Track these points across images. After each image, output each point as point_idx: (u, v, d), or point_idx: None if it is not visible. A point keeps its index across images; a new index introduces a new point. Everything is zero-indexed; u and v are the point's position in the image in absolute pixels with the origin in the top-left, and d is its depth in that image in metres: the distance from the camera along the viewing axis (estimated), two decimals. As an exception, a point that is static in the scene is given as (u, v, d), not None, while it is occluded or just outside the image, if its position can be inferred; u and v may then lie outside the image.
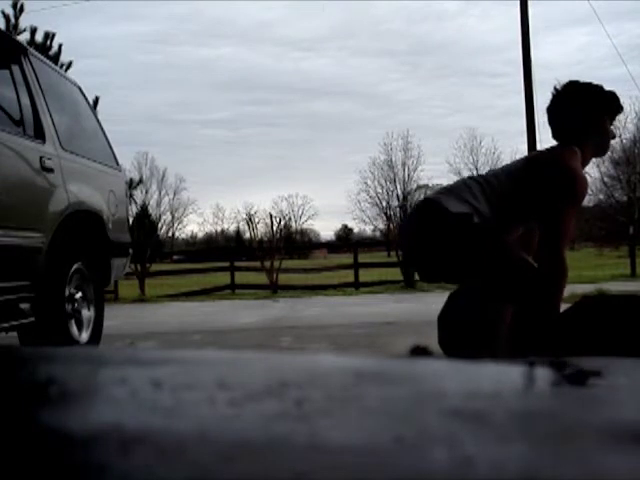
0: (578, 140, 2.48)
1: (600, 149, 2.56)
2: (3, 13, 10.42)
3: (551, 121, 2.56)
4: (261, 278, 12.60)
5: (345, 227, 58.64)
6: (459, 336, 2.49)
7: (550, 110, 2.57)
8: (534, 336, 2.31)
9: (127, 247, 5.03)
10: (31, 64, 4.07)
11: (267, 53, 76.45)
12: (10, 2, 10.44)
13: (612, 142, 2.61)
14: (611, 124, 2.55)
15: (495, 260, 2.31)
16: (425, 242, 2.41)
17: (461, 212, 2.32)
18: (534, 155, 2.54)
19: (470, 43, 68.63)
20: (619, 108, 2.56)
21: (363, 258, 15.20)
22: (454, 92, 69.59)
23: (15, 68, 3.93)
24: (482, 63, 69.03)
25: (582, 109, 2.49)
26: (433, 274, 2.53)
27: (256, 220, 14.17)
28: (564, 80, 2.61)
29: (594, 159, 2.74)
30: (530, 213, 2.44)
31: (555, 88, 2.58)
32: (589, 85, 2.54)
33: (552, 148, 2.53)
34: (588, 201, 26.50)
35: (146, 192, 44.41)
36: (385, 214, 42.52)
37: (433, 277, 2.56)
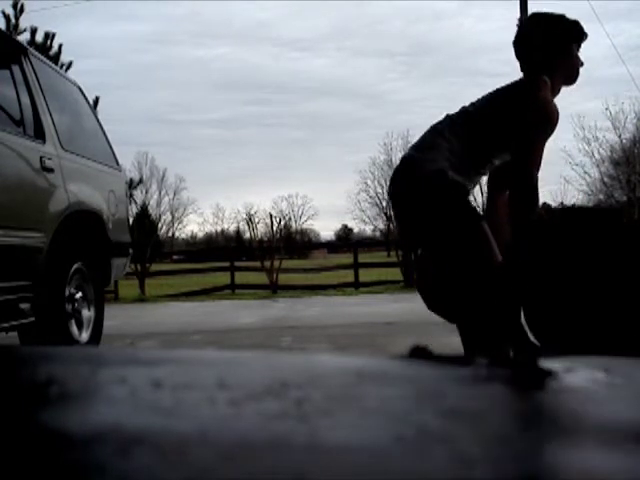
0: (547, 70, 2.51)
1: (569, 77, 2.60)
2: (3, 13, 10.42)
3: (518, 55, 2.61)
4: (261, 278, 12.60)
5: (345, 227, 58.65)
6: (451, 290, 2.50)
7: (516, 43, 2.61)
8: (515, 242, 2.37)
9: (127, 247, 5.03)
10: (31, 64, 4.07)
11: (265, 53, 76.47)
12: (10, 2, 10.45)
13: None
14: (577, 51, 2.59)
15: (457, 226, 2.35)
16: (402, 203, 2.49)
17: (436, 169, 2.37)
18: (507, 86, 2.57)
19: (468, 43, 68.62)
20: (583, 34, 2.62)
21: (363, 258, 15.20)
22: (453, 92, 69.56)
23: (15, 68, 3.93)
24: (480, 63, 69.06)
25: (548, 39, 2.54)
26: (413, 238, 2.58)
27: (256, 220, 14.17)
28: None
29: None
30: (505, 141, 2.48)
31: (519, 21, 2.65)
32: (551, 15, 2.60)
33: (522, 79, 2.56)
34: (588, 201, 26.50)
35: (146, 192, 44.41)
36: (385, 214, 42.53)
37: (414, 242, 2.62)
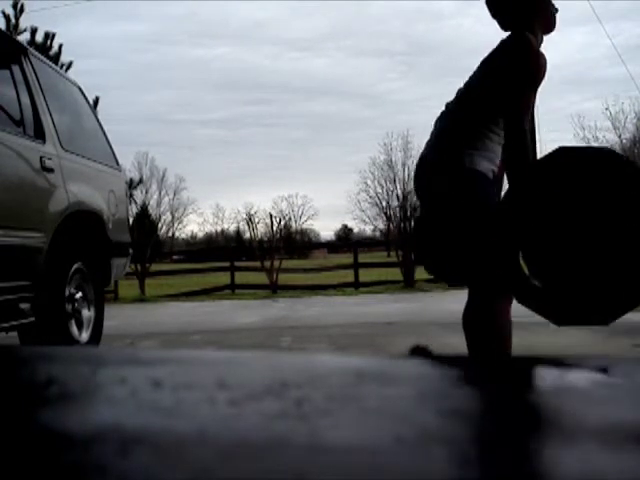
0: (524, 23, 2.54)
1: (547, 26, 2.61)
2: (3, 13, 10.42)
3: (494, 14, 2.65)
4: (261, 278, 12.60)
5: (345, 227, 58.64)
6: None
7: (489, 3, 2.65)
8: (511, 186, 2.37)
9: (127, 247, 5.03)
10: (31, 64, 4.07)
11: (265, 53, 76.58)
12: (10, 2, 10.45)
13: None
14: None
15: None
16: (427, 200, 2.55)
17: (453, 160, 2.43)
18: (492, 51, 2.59)
19: (468, 43, 68.67)
20: None
21: (363, 258, 15.20)
22: (453, 92, 69.40)
23: (15, 68, 3.93)
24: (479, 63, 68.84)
25: None
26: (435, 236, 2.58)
27: (256, 220, 14.18)
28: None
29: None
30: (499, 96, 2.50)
31: None
32: None
33: (504, 40, 2.58)
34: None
35: (146, 192, 44.33)
36: (385, 214, 42.45)
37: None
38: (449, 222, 2.43)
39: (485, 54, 2.60)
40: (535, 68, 2.46)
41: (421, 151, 2.69)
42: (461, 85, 2.65)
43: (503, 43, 2.55)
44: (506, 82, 2.45)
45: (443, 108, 2.67)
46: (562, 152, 2.32)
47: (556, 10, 2.61)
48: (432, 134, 2.62)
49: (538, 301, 2.34)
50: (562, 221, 2.24)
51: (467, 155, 2.45)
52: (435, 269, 2.63)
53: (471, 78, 2.62)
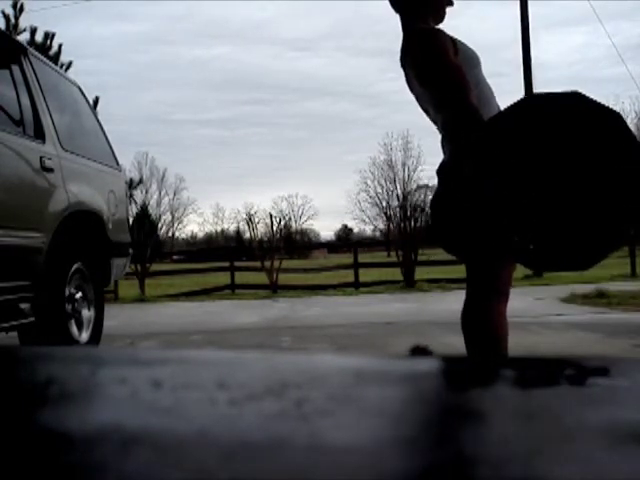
0: (416, 13, 2.57)
1: (438, 18, 2.62)
2: (3, 13, 10.42)
3: (397, 10, 2.65)
4: (261, 278, 12.60)
5: (345, 227, 58.70)
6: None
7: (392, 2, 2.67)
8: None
9: (127, 247, 5.03)
10: (31, 64, 4.07)
11: (264, 53, 76.59)
12: (10, 2, 10.45)
13: None
14: None
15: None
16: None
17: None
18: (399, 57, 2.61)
19: (467, 43, 68.59)
20: None
21: (363, 258, 15.20)
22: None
23: (15, 68, 3.93)
24: (480, 63, 69.01)
25: None
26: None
27: (256, 220, 14.18)
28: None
29: None
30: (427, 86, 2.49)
31: None
32: None
33: (401, 43, 2.60)
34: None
35: (146, 192, 44.43)
36: (385, 214, 42.48)
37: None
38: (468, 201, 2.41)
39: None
40: (436, 46, 2.44)
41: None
42: None
43: (402, 44, 2.55)
44: (424, 65, 2.45)
45: None
46: (528, 100, 2.29)
47: (450, 3, 2.63)
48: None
49: (516, 250, 2.31)
50: (534, 167, 2.19)
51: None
52: (448, 243, 2.62)
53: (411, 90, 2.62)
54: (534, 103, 2.27)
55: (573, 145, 2.17)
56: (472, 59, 2.58)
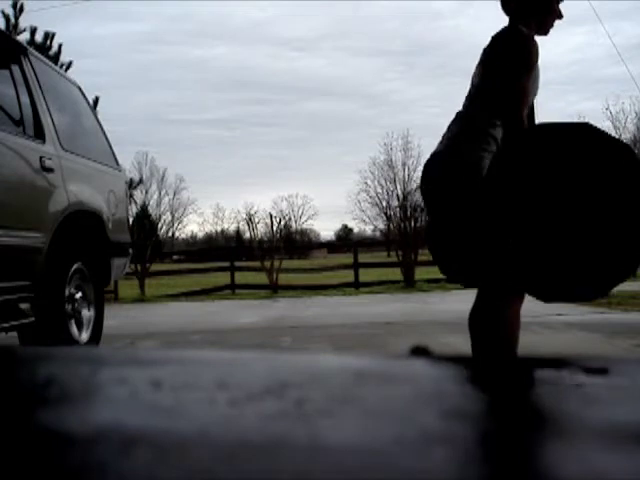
0: (522, 16, 2.57)
1: (543, 27, 2.63)
2: (3, 13, 10.42)
3: (506, 10, 2.66)
4: (261, 278, 12.60)
5: (345, 227, 58.70)
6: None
7: None
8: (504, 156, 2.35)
9: (127, 247, 5.03)
10: (31, 64, 4.07)
11: (264, 53, 76.64)
12: (10, 2, 10.45)
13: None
14: (558, 3, 2.61)
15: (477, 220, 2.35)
16: (432, 197, 2.53)
17: (467, 161, 2.42)
18: (486, 46, 2.62)
19: (467, 43, 68.74)
20: None
21: (363, 258, 15.19)
22: (452, 92, 69.72)
23: (15, 68, 3.93)
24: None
25: None
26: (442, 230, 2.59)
27: (256, 220, 14.17)
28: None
29: None
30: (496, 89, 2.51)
31: None
32: None
33: (497, 33, 2.61)
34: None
35: (146, 192, 44.43)
36: (385, 214, 42.45)
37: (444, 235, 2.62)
38: (459, 224, 2.43)
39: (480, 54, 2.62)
40: (525, 54, 2.46)
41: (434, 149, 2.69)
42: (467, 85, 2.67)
43: (495, 37, 2.57)
44: (499, 70, 2.46)
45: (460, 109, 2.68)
46: (540, 129, 2.31)
47: (560, 17, 2.62)
48: (444, 135, 2.61)
49: (524, 277, 2.32)
50: (547, 198, 2.22)
51: (479, 158, 2.43)
52: (448, 270, 2.63)
53: (473, 77, 2.64)
54: (546, 132, 2.29)
55: (584, 176, 2.19)
56: (537, 78, 2.58)
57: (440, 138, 2.64)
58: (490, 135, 2.50)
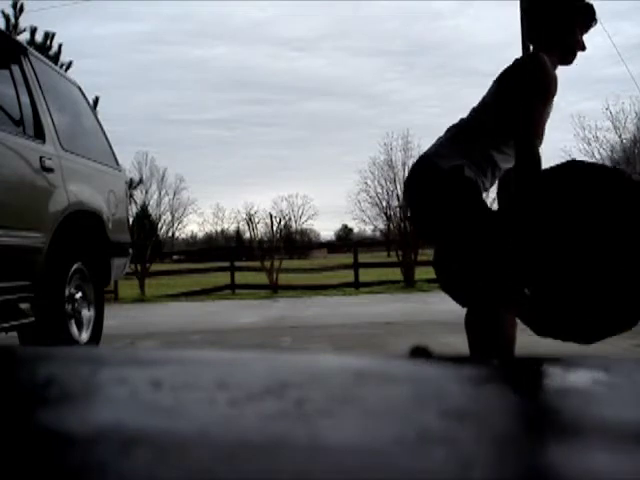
0: (546, 45, 2.56)
1: (566, 58, 2.62)
2: (3, 13, 10.42)
3: (523, 20, 2.65)
4: (261, 278, 12.59)
5: (345, 227, 58.71)
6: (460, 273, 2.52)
7: (526, 12, 2.69)
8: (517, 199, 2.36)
9: (127, 247, 5.03)
10: (31, 64, 4.07)
11: (264, 53, 76.67)
12: (10, 2, 10.45)
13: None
14: (582, 34, 2.61)
15: (470, 226, 2.36)
16: (420, 201, 2.53)
17: (453, 166, 2.42)
18: (505, 69, 2.62)
19: (467, 43, 68.83)
20: (592, 20, 2.62)
21: (363, 258, 15.19)
22: (452, 92, 69.80)
23: (15, 68, 3.93)
24: (479, 62, 69.28)
25: (554, 14, 2.58)
26: (430, 234, 2.62)
27: (256, 220, 14.17)
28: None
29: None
30: (513, 118, 2.51)
31: None
32: None
33: (518, 58, 2.62)
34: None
35: (146, 192, 44.45)
36: (385, 214, 42.48)
37: (430, 237, 2.66)
38: (445, 230, 2.44)
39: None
40: (545, 85, 2.46)
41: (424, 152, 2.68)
42: (470, 96, 2.68)
43: (516, 61, 2.57)
44: (517, 98, 2.46)
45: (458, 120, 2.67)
46: (569, 166, 2.31)
47: (583, 48, 2.62)
48: (441, 140, 2.60)
49: (524, 307, 2.33)
50: (562, 235, 2.22)
51: (467, 166, 2.44)
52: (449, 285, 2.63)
53: (485, 95, 2.62)
54: (574, 171, 2.29)
55: (599, 219, 2.18)
56: (551, 107, 2.59)
57: (437, 140, 2.63)
58: (488, 156, 2.51)
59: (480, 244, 2.36)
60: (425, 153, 2.61)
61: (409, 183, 2.60)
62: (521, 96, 2.46)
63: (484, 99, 2.63)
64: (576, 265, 2.20)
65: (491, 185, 2.65)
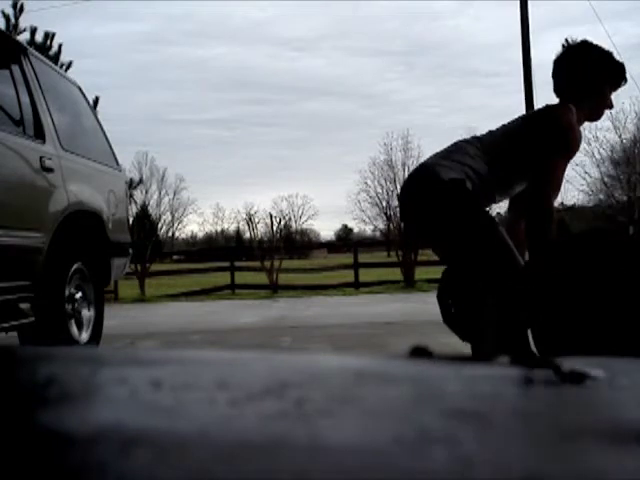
0: (574, 99, 2.54)
1: (593, 115, 2.61)
2: (3, 13, 10.42)
3: (554, 74, 2.63)
4: (261, 278, 12.59)
5: (345, 227, 58.70)
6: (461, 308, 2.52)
7: (556, 63, 2.63)
8: (526, 273, 2.34)
9: (127, 247, 5.03)
10: (31, 64, 4.07)
11: (264, 53, 76.67)
12: (10, 2, 10.44)
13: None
14: (611, 93, 2.59)
15: (474, 235, 2.35)
16: (419, 209, 2.49)
17: (453, 178, 2.38)
18: (530, 112, 2.59)
19: (467, 43, 68.83)
20: (623, 80, 2.61)
21: (363, 258, 15.19)
22: (452, 92, 69.86)
23: (15, 68, 3.93)
24: (479, 62, 69.31)
25: (585, 70, 2.54)
26: (427, 241, 2.62)
27: (256, 220, 14.17)
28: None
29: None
30: (526, 166, 2.49)
31: (567, 41, 2.63)
32: (599, 49, 2.58)
33: (547, 104, 2.59)
34: (588, 201, 26.43)
35: (146, 192, 44.41)
36: (385, 214, 42.50)
37: (428, 243, 2.66)
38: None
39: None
40: (571, 143, 2.45)
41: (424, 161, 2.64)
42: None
43: (547, 108, 2.53)
44: (539, 149, 2.43)
45: (470, 136, 2.64)
46: (590, 234, 2.29)
47: (611, 106, 2.61)
48: (446, 152, 2.54)
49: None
50: (573, 300, 2.20)
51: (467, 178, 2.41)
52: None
53: (507, 131, 2.57)
54: (593, 239, 2.29)
55: (618, 289, 2.16)
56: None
57: (441, 151, 2.58)
58: (490, 195, 2.49)
59: (483, 251, 2.35)
60: (428, 161, 2.56)
61: (408, 190, 2.56)
62: (543, 150, 2.42)
63: (505, 130, 2.57)
64: (587, 330, 2.18)
65: (489, 207, 2.63)
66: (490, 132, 2.60)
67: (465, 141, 2.57)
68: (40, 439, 0.39)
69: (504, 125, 2.61)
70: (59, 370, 0.61)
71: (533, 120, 2.55)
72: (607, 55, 2.56)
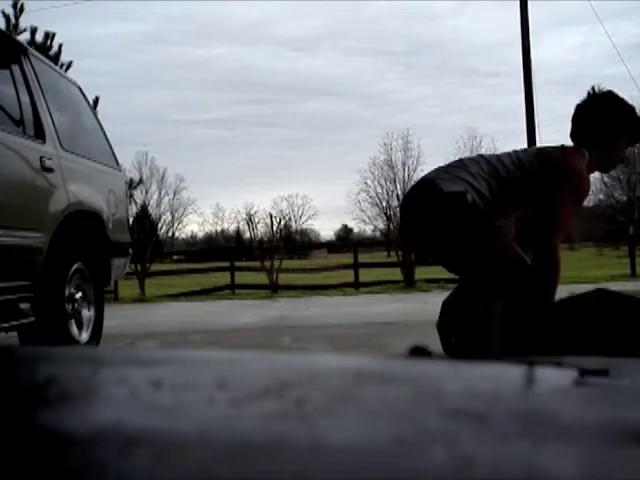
0: (589, 147, 2.53)
1: (604, 166, 2.61)
2: (3, 13, 10.42)
3: (574, 119, 2.61)
4: (261, 278, 12.59)
5: (345, 227, 58.71)
6: (459, 340, 2.52)
7: (578, 109, 2.62)
8: (528, 327, 2.33)
9: (127, 247, 5.03)
10: (31, 64, 4.07)
11: (263, 53, 76.70)
12: (10, 2, 10.44)
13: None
14: (626, 148, 2.59)
15: (483, 245, 2.35)
16: (420, 221, 2.49)
17: (454, 191, 2.38)
18: (545, 150, 2.58)
19: (466, 43, 68.84)
20: (639, 137, 2.60)
21: (363, 258, 15.19)
22: (451, 92, 69.86)
23: (15, 68, 3.93)
24: (478, 62, 69.31)
25: (605, 122, 2.53)
26: (429, 254, 2.62)
27: (256, 220, 14.17)
28: (594, 82, 2.63)
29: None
30: (530, 202, 2.49)
31: (593, 89, 2.61)
32: (623, 103, 2.57)
33: (563, 147, 2.58)
34: (588, 201, 26.42)
35: (146, 192, 44.48)
36: (385, 214, 42.55)
37: (429, 257, 2.66)
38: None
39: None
40: (581, 191, 2.46)
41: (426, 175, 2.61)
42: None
43: (562, 154, 2.52)
44: (549, 193, 2.43)
45: (476, 155, 2.64)
46: (597, 295, 2.28)
47: (622, 161, 2.64)
48: (451, 167, 2.54)
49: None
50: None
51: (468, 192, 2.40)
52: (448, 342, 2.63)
53: (516, 161, 2.54)
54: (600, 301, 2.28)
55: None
56: None
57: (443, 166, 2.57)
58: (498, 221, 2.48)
59: (487, 262, 2.35)
60: (431, 174, 2.55)
61: (409, 203, 2.56)
62: (553, 194, 2.42)
63: (514, 160, 2.53)
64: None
65: None
66: (498, 157, 2.58)
67: (470, 159, 2.57)
68: (40, 439, 0.39)
69: (516, 153, 2.59)
70: (59, 370, 0.61)
71: (546, 160, 2.52)
72: (629, 110, 2.55)
